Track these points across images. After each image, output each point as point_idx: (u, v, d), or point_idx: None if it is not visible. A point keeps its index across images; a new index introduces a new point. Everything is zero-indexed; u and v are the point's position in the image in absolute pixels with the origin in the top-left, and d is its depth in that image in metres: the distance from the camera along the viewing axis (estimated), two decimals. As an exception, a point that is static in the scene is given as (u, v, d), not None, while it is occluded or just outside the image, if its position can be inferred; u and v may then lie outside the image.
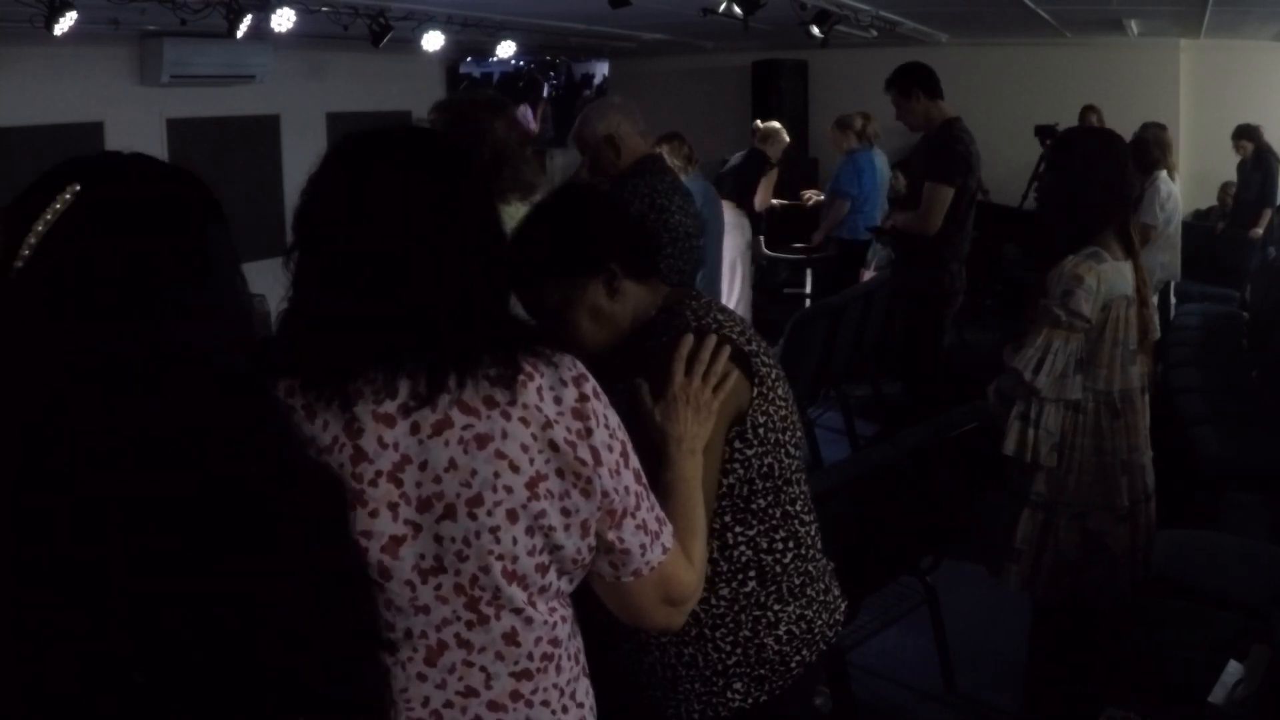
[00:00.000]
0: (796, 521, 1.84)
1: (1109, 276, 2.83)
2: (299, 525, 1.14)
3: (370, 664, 1.27)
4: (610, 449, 1.35)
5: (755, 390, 1.76)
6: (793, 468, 1.84)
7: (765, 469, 1.79)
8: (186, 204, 1.19)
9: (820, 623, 1.86)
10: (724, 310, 1.84)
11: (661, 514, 1.44)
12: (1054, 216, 3.04)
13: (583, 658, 1.45)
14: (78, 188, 1.12)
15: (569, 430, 1.32)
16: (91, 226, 1.11)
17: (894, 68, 5.00)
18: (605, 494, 1.34)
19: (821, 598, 1.87)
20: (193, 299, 1.14)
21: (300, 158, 8.32)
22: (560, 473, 1.32)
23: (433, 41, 7.37)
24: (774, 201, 8.30)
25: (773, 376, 1.80)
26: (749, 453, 1.77)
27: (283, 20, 5.94)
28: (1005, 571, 3.00)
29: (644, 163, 3.60)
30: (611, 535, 1.37)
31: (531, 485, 1.30)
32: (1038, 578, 2.98)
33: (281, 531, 1.12)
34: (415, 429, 1.28)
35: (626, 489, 1.37)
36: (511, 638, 1.33)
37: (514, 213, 2.05)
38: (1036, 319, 2.88)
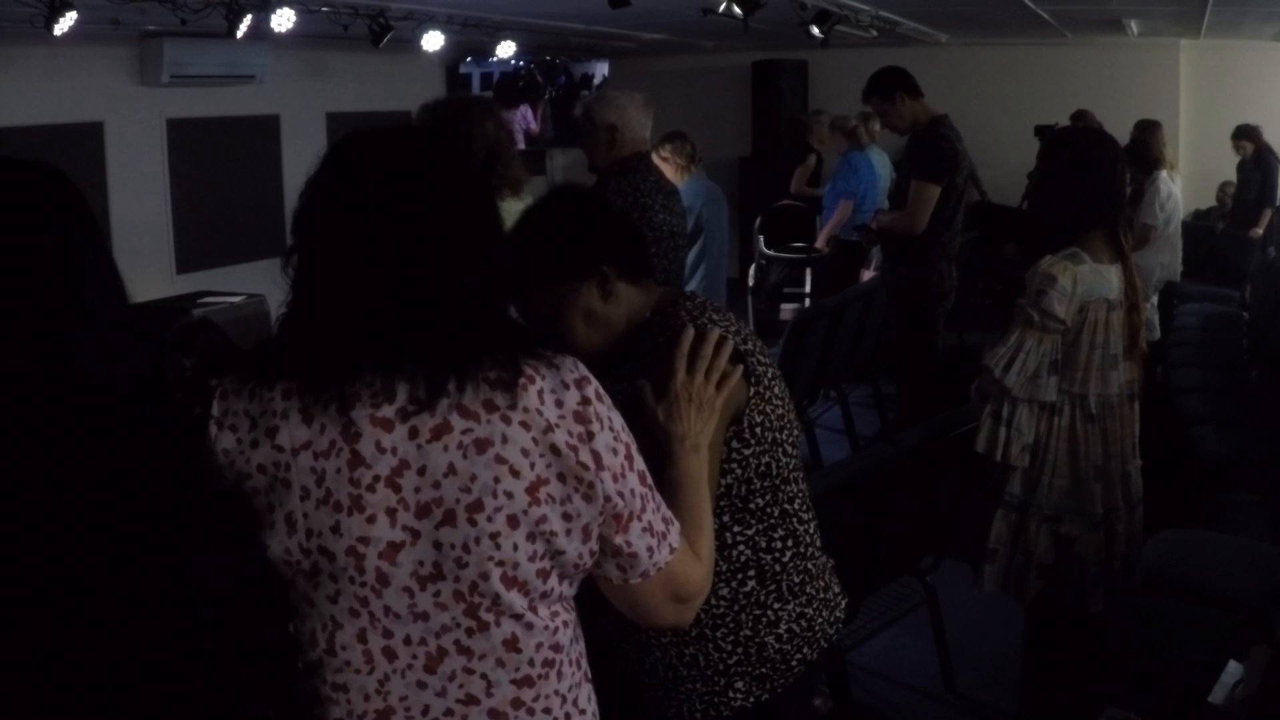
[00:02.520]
0: (795, 520, 1.84)
1: (1086, 278, 2.79)
2: (171, 550, 1.08)
3: (280, 701, 1.24)
4: (614, 452, 1.33)
5: (752, 390, 1.76)
6: (790, 466, 1.84)
7: (763, 468, 1.79)
8: (49, 208, 1.13)
9: (821, 620, 1.86)
10: (718, 310, 1.84)
11: (668, 513, 1.42)
12: (1043, 215, 3.02)
13: (585, 663, 1.43)
14: None
15: (570, 434, 1.29)
16: None
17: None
18: (608, 498, 1.32)
19: (821, 595, 1.87)
20: (60, 310, 1.09)
21: (300, 158, 8.26)
22: (562, 477, 1.29)
23: (433, 41, 7.37)
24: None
25: (769, 375, 1.80)
26: (746, 452, 1.77)
27: (283, 20, 5.94)
28: (979, 572, 2.99)
29: (630, 161, 3.59)
30: (619, 539, 1.35)
31: (532, 490, 1.28)
32: (1010, 579, 2.97)
33: (151, 556, 1.06)
34: (414, 433, 1.26)
35: (632, 492, 1.35)
36: (512, 644, 1.32)
37: (507, 208, 2.07)
38: (1012, 318, 2.87)
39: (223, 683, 1.12)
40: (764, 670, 1.80)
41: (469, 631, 1.30)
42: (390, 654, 1.30)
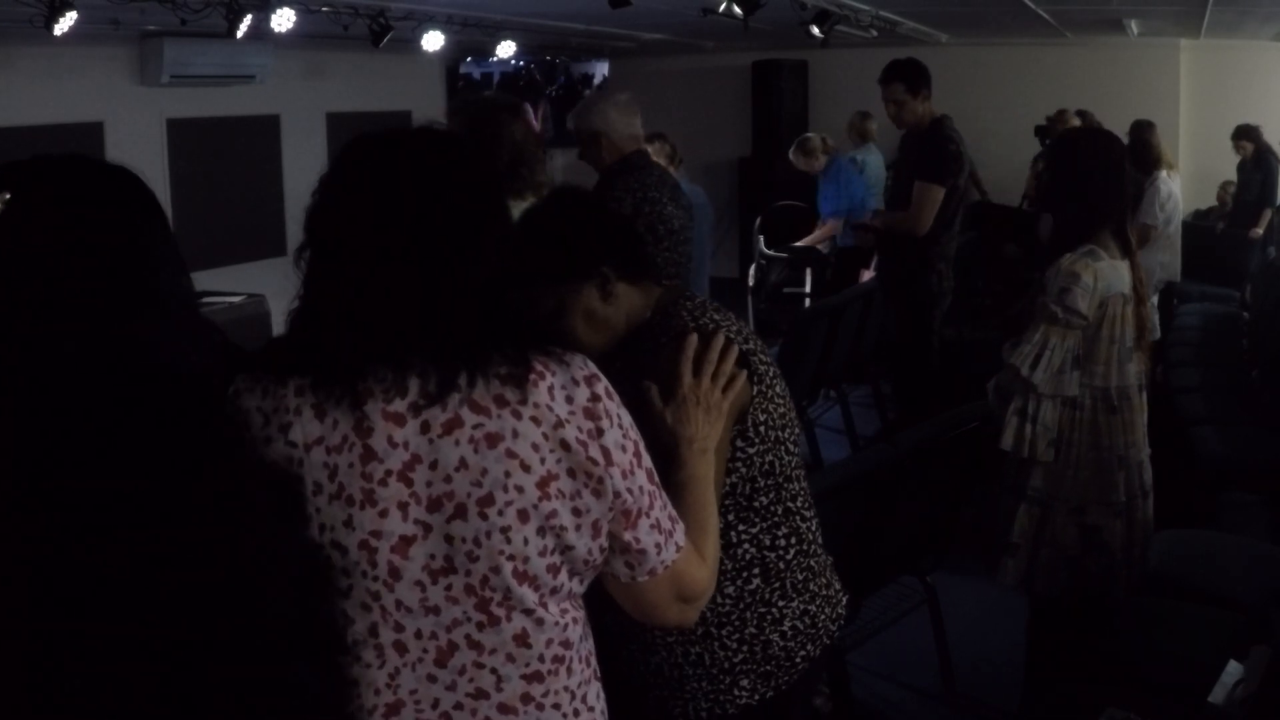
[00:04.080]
0: (798, 518, 1.85)
1: (1106, 274, 2.85)
2: (243, 528, 1.14)
3: (324, 671, 1.27)
4: (623, 449, 1.34)
5: (755, 389, 1.77)
6: (792, 464, 1.85)
7: (766, 466, 1.79)
8: (122, 204, 1.20)
9: (824, 617, 1.87)
10: (719, 309, 1.84)
11: (674, 512, 1.43)
12: (1057, 215, 3.06)
13: (594, 661, 1.44)
14: (8, 196, 1.13)
15: (580, 430, 1.31)
16: (26, 232, 1.13)
17: (889, 63, 4.91)
18: (618, 494, 1.33)
19: (824, 592, 1.88)
20: (133, 297, 1.15)
21: (300, 158, 8.33)
22: (572, 473, 1.31)
23: (433, 41, 7.37)
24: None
25: (771, 374, 1.81)
26: (750, 451, 1.77)
27: (283, 20, 5.94)
28: (1002, 566, 3.01)
29: (630, 159, 3.62)
30: (628, 536, 1.36)
31: (543, 485, 1.29)
32: (1035, 572, 2.99)
33: (223, 534, 1.12)
34: (425, 428, 1.27)
35: (640, 489, 1.36)
36: (522, 639, 1.33)
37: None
38: (1034, 316, 2.90)
39: (277, 646, 1.18)
40: (769, 668, 1.80)
41: (479, 626, 1.31)
42: (401, 648, 1.31)
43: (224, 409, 1.25)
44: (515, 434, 1.28)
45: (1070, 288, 2.83)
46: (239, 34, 5.97)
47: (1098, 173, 2.91)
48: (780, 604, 1.81)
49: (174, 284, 1.21)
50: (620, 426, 1.35)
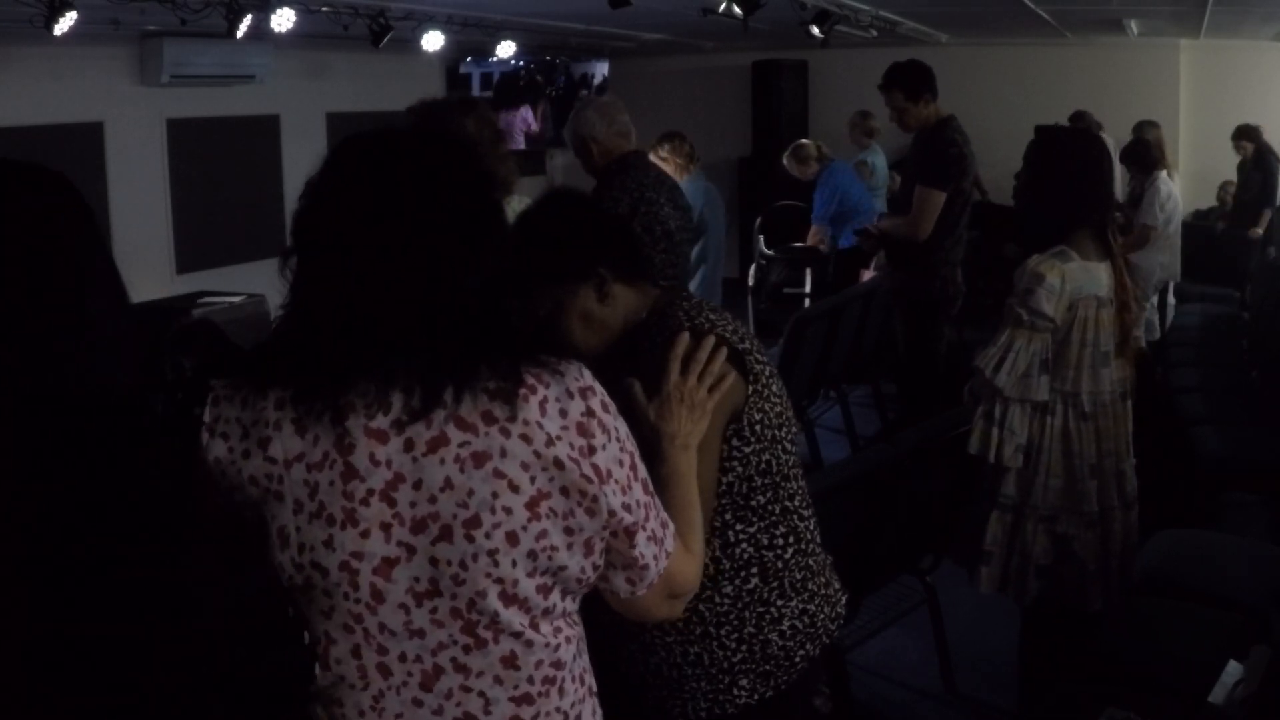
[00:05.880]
0: (795, 517, 1.85)
1: (1075, 276, 2.80)
2: (176, 574, 1.05)
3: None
4: (620, 464, 1.31)
5: (750, 388, 1.77)
6: (789, 463, 1.84)
7: (763, 466, 1.79)
8: (47, 212, 1.10)
9: (823, 616, 1.87)
10: (715, 310, 1.84)
11: (665, 516, 1.41)
12: (1031, 215, 3.02)
13: (590, 678, 1.41)
14: None
15: (573, 447, 1.26)
16: None
17: (889, 67, 4.87)
18: (613, 512, 1.29)
19: (823, 591, 1.88)
20: (60, 315, 1.06)
21: (300, 158, 8.32)
22: (565, 491, 1.26)
23: (433, 41, 7.37)
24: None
25: (766, 374, 1.81)
26: (746, 450, 1.77)
27: (283, 20, 5.94)
28: (978, 574, 2.99)
29: (626, 159, 3.65)
30: (634, 553, 1.34)
31: (532, 505, 1.25)
32: (1008, 580, 2.97)
33: (151, 582, 1.03)
34: (409, 446, 1.23)
35: (637, 503, 1.33)
36: (510, 661, 1.29)
37: None
38: (1002, 318, 2.87)
39: (226, 706, 1.10)
40: (768, 668, 1.80)
41: (466, 649, 1.28)
42: (385, 670, 1.28)
43: (161, 436, 1.15)
44: (503, 453, 1.23)
45: (1034, 289, 2.78)
46: (239, 34, 5.97)
47: (1075, 173, 2.87)
48: (779, 603, 1.81)
49: (107, 300, 1.11)
50: (617, 439, 1.31)
